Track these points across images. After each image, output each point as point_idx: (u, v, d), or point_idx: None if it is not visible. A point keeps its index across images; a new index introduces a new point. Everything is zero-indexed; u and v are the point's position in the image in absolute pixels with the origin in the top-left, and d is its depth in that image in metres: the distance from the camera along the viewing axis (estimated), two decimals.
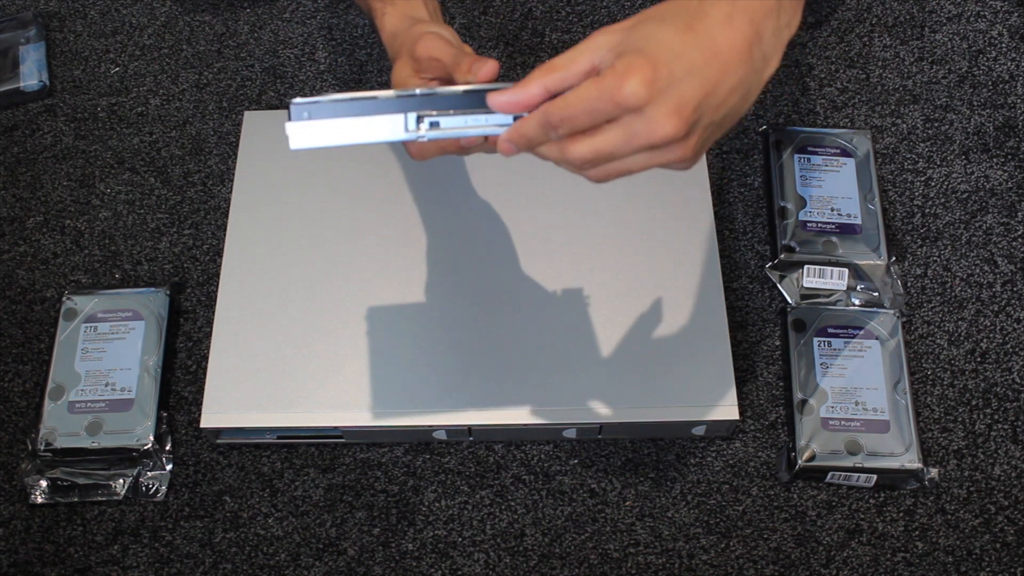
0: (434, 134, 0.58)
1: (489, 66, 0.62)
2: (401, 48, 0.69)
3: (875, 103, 0.97)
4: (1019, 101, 0.97)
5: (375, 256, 0.85)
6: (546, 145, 0.56)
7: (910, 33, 1.01)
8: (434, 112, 0.57)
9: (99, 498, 0.81)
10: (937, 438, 0.82)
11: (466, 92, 0.57)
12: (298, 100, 0.56)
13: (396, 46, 0.70)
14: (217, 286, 0.84)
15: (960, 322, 0.86)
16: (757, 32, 0.54)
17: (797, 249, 0.88)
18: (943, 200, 0.92)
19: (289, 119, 0.56)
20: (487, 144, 0.60)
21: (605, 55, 0.54)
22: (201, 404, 0.79)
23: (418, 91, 0.57)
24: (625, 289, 0.83)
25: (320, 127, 0.57)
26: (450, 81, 0.65)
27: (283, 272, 0.84)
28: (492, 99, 0.56)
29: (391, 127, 0.57)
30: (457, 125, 0.58)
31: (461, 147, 0.63)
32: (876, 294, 0.87)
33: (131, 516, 0.80)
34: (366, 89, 0.98)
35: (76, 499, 0.81)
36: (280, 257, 0.85)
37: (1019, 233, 0.90)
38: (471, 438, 0.81)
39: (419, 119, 0.57)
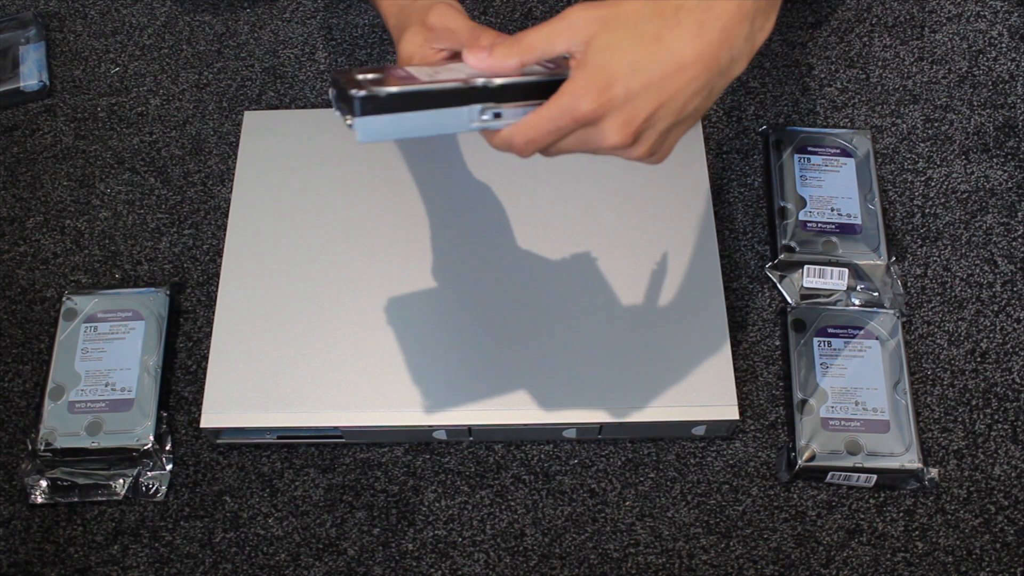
0: (497, 124, 0.57)
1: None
2: (411, 18, 0.68)
3: (875, 103, 0.97)
4: (1019, 101, 0.97)
5: (375, 256, 0.85)
6: None
7: (910, 33, 1.01)
8: (496, 104, 0.57)
9: (99, 498, 0.81)
10: (937, 438, 0.82)
11: (527, 83, 0.57)
12: (360, 93, 0.54)
13: (404, 18, 0.69)
14: (217, 286, 0.84)
15: (960, 322, 0.86)
16: (728, 37, 0.55)
17: (797, 249, 0.88)
18: (943, 200, 0.92)
19: (354, 113, 0.54)
20: None
21: (579, 46, 0.55)
22: (201, 404, 0.79)
23: (480, 82, 0.56)
24: (625, 289, 0.83)
25: (386, 121, 0.55)
26: (459, 53, 0.64)
27: (283, 272, 0.84)
28: (467, 56, 0.57)
29: (457, 119, 0.57)
30: (518, 116, 0.57)
31: None
32: (876, 294, 0.86)
33: (131, 516, 0.80)
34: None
35: (76, 499, 0.81)
36: (280, 257, 0.85)
37: (1019, 233, 0.90)
38: (471, 438, 0.81)
39: (483, 110, 0.57)
